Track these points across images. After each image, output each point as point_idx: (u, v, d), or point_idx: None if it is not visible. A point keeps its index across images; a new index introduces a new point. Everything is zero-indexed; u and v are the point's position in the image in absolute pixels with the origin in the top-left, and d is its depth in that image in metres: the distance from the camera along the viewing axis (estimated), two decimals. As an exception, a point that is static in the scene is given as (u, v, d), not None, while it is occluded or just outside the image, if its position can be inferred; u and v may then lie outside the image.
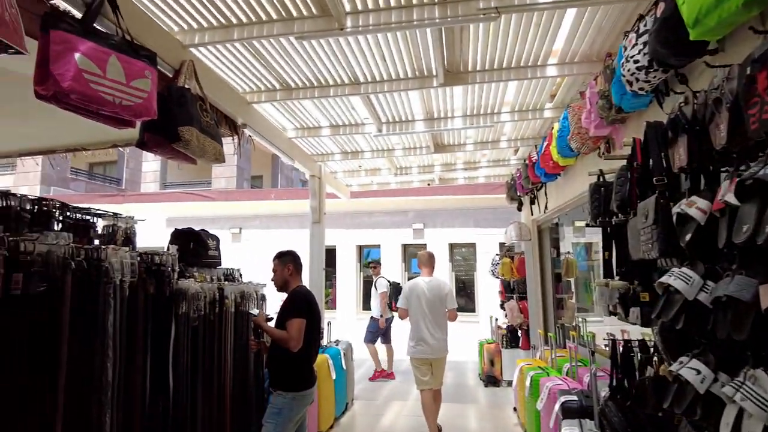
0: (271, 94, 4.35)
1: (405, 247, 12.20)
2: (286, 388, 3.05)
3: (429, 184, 8.12)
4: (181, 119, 2.90)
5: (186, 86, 3.12)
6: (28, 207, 2.26)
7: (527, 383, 4.67)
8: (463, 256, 12.40)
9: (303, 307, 3.16)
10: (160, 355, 2.68)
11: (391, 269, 12.04)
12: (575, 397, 3.44)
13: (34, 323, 1.93)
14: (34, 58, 2.17)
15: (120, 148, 5.17)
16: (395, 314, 7.87)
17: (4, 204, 2.18)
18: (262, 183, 21.45)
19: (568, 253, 6.46)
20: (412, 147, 6.23)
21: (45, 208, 2.34)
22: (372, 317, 8.12)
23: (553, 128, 4.65)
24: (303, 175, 22.13)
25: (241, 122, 4.16)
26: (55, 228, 2.40)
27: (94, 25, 2.43)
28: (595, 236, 5.74)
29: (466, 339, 9.95)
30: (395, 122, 5.26)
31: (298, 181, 22.27)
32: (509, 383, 7.15)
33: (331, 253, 11.92)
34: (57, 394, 2.00)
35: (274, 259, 3.33)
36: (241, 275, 3.98)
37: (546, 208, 5.96)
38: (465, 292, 12.12)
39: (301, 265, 3.40)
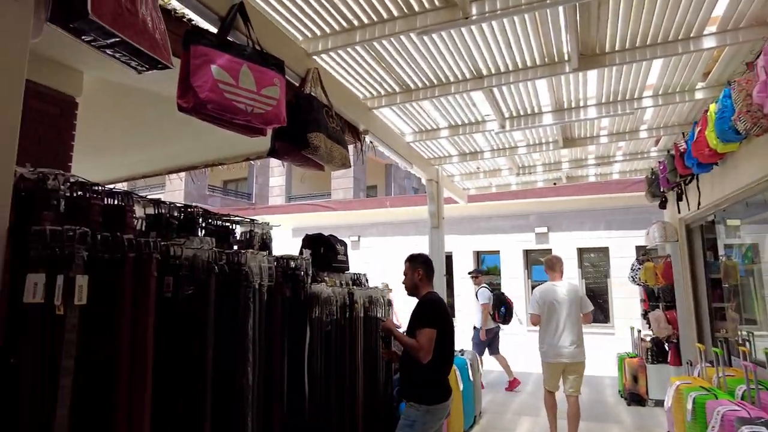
0: (390, 97, 4.30)
1: (527, 253, 11.59)
2: (419, 400, 2.90)
3: (555, 184, 7.57)
4: (310, 126, 2.92)
5: (312, 94, 3.16)
6: (175, 214, 2.38)
7: (688, 406, 4.04)
8: (591, 261, 11.45)
9: (434, 315, 2.99)
10: (295, 359, 2.69)
11: (512, 277, 11.51)
12: (764, 429, 2.85)
13: (182, 326, 1.99)
14: (175, 81, 2.31)
15: (252, 161, 5.51)
16: (502, 325, 7.56)
17: (156, 212, 2.31)
18: (377, 192, 21.97)
19: (726, 255, 5.58)
20: (538, 143, 5.82)
21: (190, 215, 2.46)
22: (474, 327, 7.81)
23: (708, 110, 4.02)
24: (415, 183, 22.22)
25: (363, 128, 4.16)
26: (199, 234, 2.52)
27: (228, 38, 2.52)
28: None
29: (600, 351, 9.13)
30: (519, 116, 4.94)
31: (410, 189, 22.45)
32: (657, 403, 6.35)
33: (447, 260, 11.71)
34: (205, 397, 2.04)
35: (405, 262, 3.22)
36: (367, 280, 3.94)
37: (698, 203, 5.20)
38: (595, 301, 11.14)
39: (433, 271, 3.25)
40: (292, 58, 3.00)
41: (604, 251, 10.91)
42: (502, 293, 7.82)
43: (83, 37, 1.87)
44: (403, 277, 3.19)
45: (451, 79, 4.06)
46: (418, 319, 3.02)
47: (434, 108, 4.73)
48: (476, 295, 7.90)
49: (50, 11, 1.75)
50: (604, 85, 4.27)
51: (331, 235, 3.56)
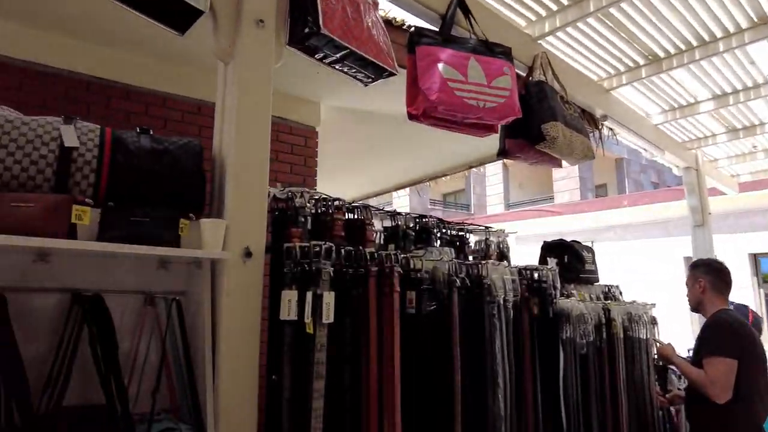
0: (633, 73, 3.61)
1: (831, 252, 8.82)
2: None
3: None
4: (544, 116, 2.57)
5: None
6: (411, 225, 2.29)
7: None
8: None
9: (729, 342, 2.27)
10: (547, 386, 2.32)
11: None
12: None
13: (427, 346, 1.83)
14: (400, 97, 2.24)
15: (475, 169, 5.35)
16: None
17: (393, 224, 2.25)
18: (606, 191, 19.79)
19: None
20: None
21: (425, 226, 2.34)
22: None
23: None
24: (653, 177, 19.32)
25: (601, 113, 3.59)
26: (435, 245, 2.38)
27: (451, 33, 2.36)
28: None
29: None
30: (826, 69, 3.67)
31: (648, 184, 19.63)
32: None
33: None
34: (454, 425, 1.84)
35: (688, 269, 2.58)
36: (621, 293, 3.32)
37: None
38: None
39: (726, 282, 2.50)
40: (516, 46, 2.68)
41: None
42: (744, 306, 6.28)
43: (316, 55, 1.90)
44: (686, 289, 2.54)
45: (718, 35, 3.20)
46: (706, 344, 2.35)
47: (692, 77, 3.82)
48: None
49: (288, 34, 1.81)
50: None
51: (574, 241, 3.09)
